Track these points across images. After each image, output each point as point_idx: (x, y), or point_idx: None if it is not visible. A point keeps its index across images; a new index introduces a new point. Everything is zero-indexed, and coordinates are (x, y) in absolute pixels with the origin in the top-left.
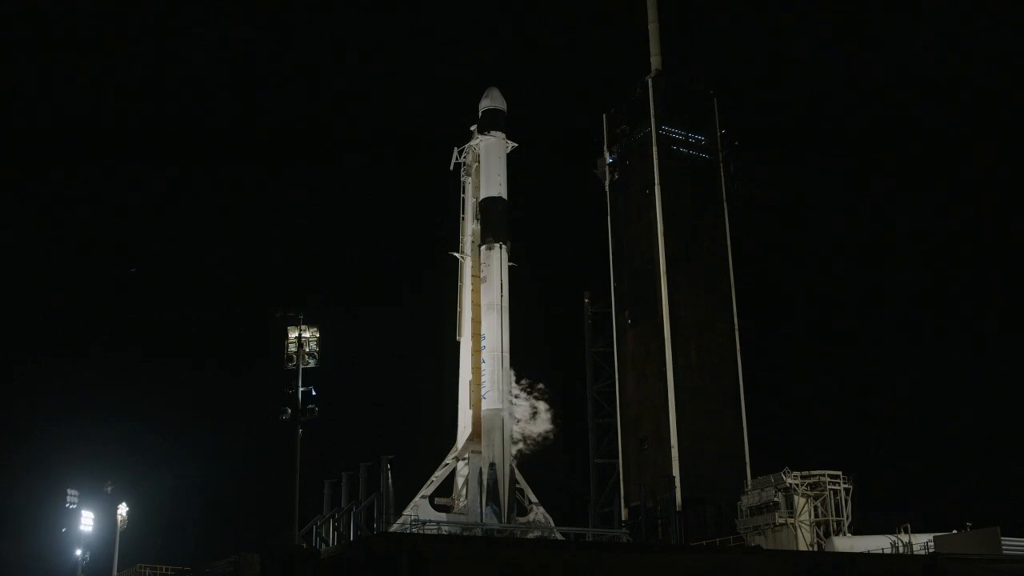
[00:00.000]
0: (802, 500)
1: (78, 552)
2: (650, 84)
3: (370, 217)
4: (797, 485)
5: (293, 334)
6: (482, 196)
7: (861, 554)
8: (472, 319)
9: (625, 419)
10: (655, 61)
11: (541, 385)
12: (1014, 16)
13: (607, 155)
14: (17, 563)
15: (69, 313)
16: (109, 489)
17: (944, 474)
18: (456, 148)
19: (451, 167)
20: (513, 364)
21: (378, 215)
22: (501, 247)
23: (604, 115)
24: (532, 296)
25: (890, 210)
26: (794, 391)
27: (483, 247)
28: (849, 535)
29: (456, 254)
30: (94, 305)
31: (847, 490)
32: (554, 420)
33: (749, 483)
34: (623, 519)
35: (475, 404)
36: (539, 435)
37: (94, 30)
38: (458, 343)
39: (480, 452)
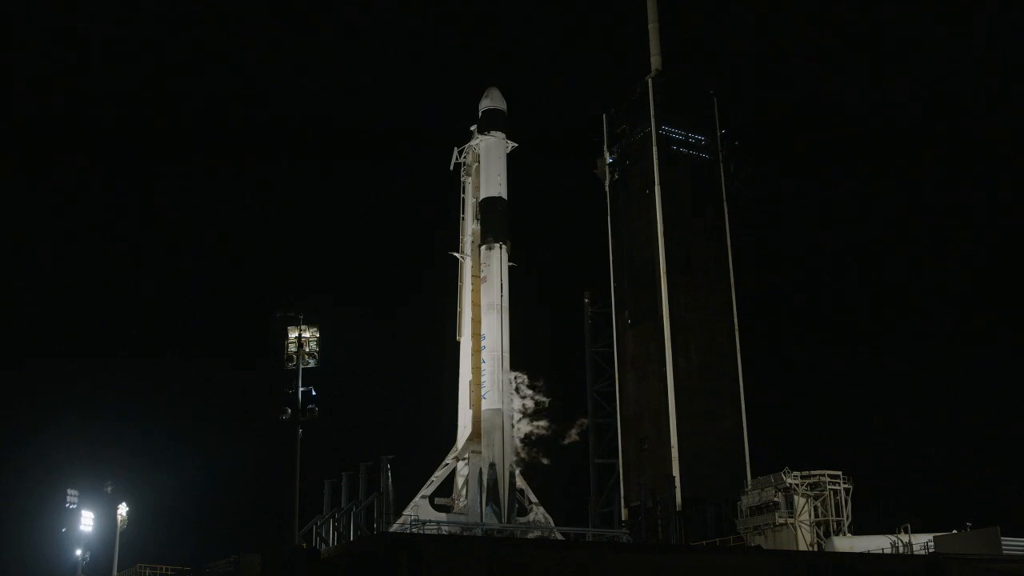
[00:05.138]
0: (802, 500)
1: (78, 552)
2: (650, 84)
3: (370, 217)
4: (797, 485)
5: (293, 334)
6: (482, 196)
7: (861, 554)
8: (472, 319)
9: (625, 419)
10: (655, 61)
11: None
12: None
13: (607, 155)
14: (17, 563)
15: (69, 313)
16: (109, 489)
17: (944, 474)
18: (456, 148)
19: (451, 167)
20: (513, 364)
21: (378, 215)
22: (501, 247)
23: (604, 115)
24: (532, 296)
25: (890, 210)
26: (794, 391)
27: (483, 247)
28: (849, 535)
29: (456, 254)
30: (95, 305)
31: (847, 490)
32: (556, 418)
33: (749, 483)
34: (623, 519)
35: (475, 404)
36: (544, 427)
37: (95, 29)
38: (458, 343)
39: (480, 452)
